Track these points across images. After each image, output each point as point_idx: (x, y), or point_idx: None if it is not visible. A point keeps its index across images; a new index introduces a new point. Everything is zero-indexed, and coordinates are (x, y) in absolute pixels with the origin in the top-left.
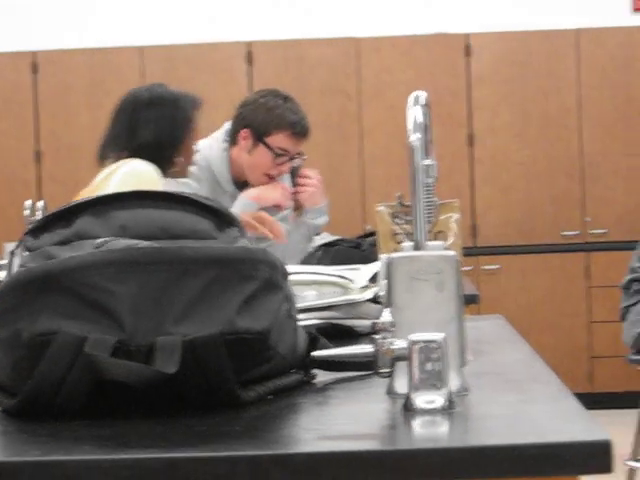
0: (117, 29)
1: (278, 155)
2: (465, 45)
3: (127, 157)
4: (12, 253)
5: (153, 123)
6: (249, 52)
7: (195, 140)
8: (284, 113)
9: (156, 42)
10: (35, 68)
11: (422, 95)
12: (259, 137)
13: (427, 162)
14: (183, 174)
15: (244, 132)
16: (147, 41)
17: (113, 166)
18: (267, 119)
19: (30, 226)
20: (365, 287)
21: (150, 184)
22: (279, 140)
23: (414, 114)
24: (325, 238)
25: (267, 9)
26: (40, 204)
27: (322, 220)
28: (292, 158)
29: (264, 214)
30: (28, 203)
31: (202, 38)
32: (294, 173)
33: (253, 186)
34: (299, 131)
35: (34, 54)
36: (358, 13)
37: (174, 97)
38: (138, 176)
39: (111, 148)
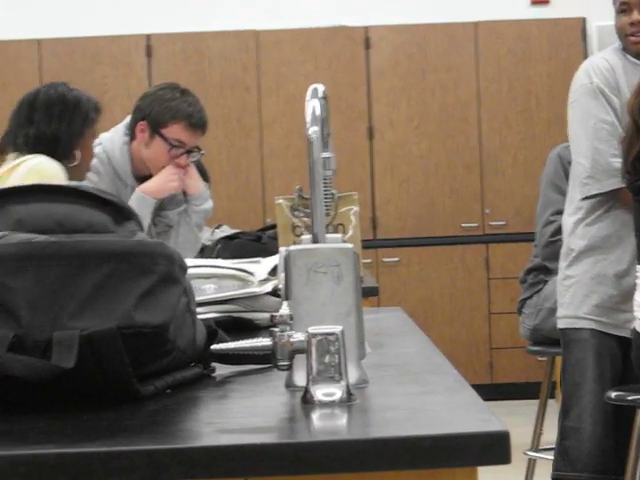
0: (14, 21)
1: (174, 147)
2: (364, 38)
3: (26, 151)
4: None
5: (54, 119)
6: (148, 45)
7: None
8: (180, 105)
9: (54, 34)
10: None
11: (320, 88)
12: (155, 129)
13: (325, 155)
14: (81, 171)
15: (141, 124)
16: (45, 33)
17: (17, 160)
18: (163, 111)
19: None
20: (265, 280)
21: (54, 180)
22: (174, 131)
23: (312, 107)
24: (225, 231)
25: (167, 1)
26: None
27: (208, 205)
28: (189, 151)
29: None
30: None
31: (101, 30)
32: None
33: None
34: (195, 122)
35: None
36: (258, 5)
37: (75, 97)
38: (41, 172)
39: (10, 141)
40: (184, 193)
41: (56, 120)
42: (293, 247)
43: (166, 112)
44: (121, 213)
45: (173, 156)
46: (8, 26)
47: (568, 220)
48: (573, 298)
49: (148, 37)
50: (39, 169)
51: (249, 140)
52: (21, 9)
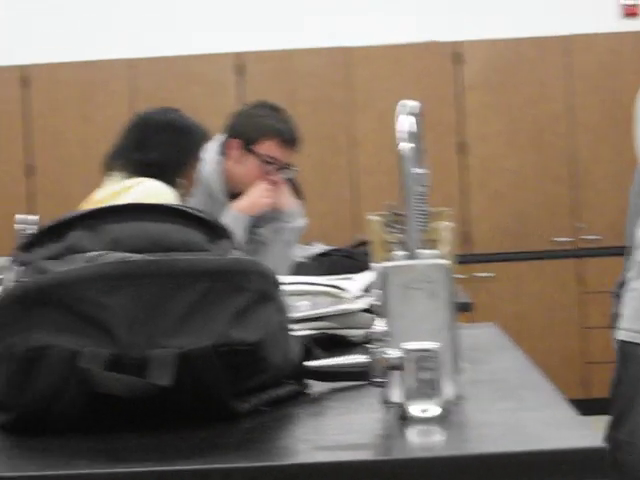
0: (107, 42)
1: (266, 163)
2: (455, 53)
3: (133, 172)
4: (4, 268)
5: (162, 145)
6: (239, 63)
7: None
8: (272, 122)
9: (146, 54)
10: (25, 82)
11: (412, 103)
12: (247, 146)
13: (419, 171)
14: (183, 199)
15: (233, 142)
16: (137, 54)
17: (128, 182)
18: (255, 128)
19: (22, 240)
20: (359, 296)
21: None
22: (267, 148)
23: (404, 123)
24: (318, 248)
25: (257, 20)
26: (32, 218)
27: (301, 222)
28: (282, 168)
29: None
30: (20, 217)
31: (192, 50)
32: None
33: None
34: (287, 139)
35: (24, 68)
36: (348, 22)
37: (186, 125)
38: (158, 195)
39: (117, 160)
40: (277, 210)
41: (165, 147)
42: (388, 264)
43: (258, 129)
44: (215, 231)
45: (265, 173)
46: (100, 46)
47: (638, 232)
48: (636, 311)
49: (239, 56)
50: (157, 192)
51: (340, 157)
52: (113, 29)
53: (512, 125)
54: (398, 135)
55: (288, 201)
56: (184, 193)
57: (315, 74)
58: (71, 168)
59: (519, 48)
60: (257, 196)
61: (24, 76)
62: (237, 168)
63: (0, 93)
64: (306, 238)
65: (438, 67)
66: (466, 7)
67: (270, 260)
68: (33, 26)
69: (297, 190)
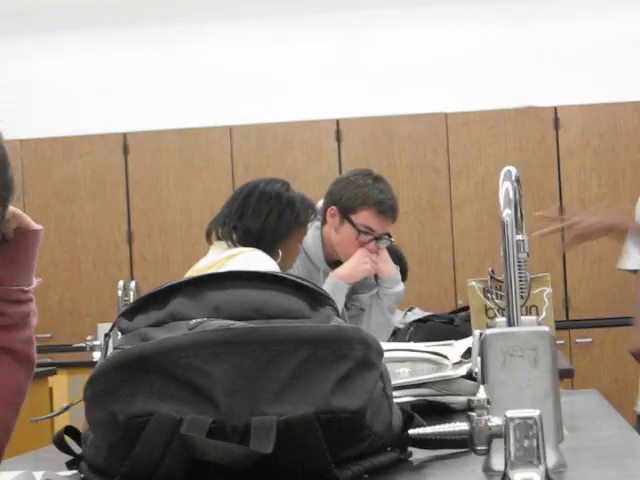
0: (206, 109)
1: (362, 233)
2: (554, 118)
3: (230, 242)
4: (107, 335)
5: (264, 214)
6: (337, 129)
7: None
8: (370, 191)
9: (245, 121)
10: (126, 149)
11: (513, 170)
12: (345, 214)
13: (519, 237)
14: (283, 269)
15: (332, 209)
16: (236, 120)
17: (232, 251)
18: (354, 196)
19: (124, 307)
20: (459, 363)
21: None
22: (364, 217)
23: (505, 189)
24: (417, 314)
25: (355, 86)
26: (132, 284)
27: (399, 288)
28: (378, 238)
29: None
30: (121, 283)
31: (291, 116)
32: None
33: None
34: (385, 209)
35: (125, 135)
36: (446, 87)
37: (290, 197)
38: (258, 265)
39: (221, 228)
40: (376, 276)
41: (264, 216)
42: (489, 330)
43: (357, 198)
44: (317, 299)
45: (361, 242)
46: (201, 114)
47: None
48: None
49: (337, 121)
50: (258, 262)
51: (440, 222)
52: (212, 98)
53: (612, 190)
54: (499, 201)
55: (387, 267)
56: (285, 264)
57: (413, 139)
58: (170, 234)
59: (619, 112)
60: (357, 263)
61: (125, 143)
62: (334, 235)
63: (103, 160)
64: (405, 303)
65: (537, 132)
66: (563, 71)
67: (369, 326)
68: (133, 94)
69: (400, 258)
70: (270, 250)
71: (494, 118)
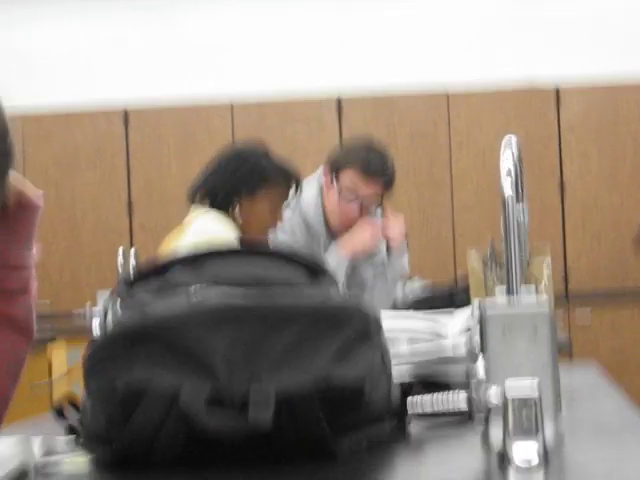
0: (207, 83)
1: (345, 192)
2: (555, 93)
3: (193, 200)
4: (106, 301)
5: (227, 172)
6: (339, 105)
7: (280, 219)
8: (359, 152)
9: (246, 94)
10: (127, 121)
11: (514, 138)
12: (332, 173)
13: (519, 207)
14: (246, 233)
15: (324, 168)
16: (237, 94)
17: (188, 217)
18: (341, 155)
19: (124, 275)
20: (458, 334)
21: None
22: (348, 177)
23: (507, 158)
24: (416, 283)
25: (356, 61)
26: (132, 252)
27: (405, 260)
28: (365, 201)
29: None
30: (121, 251)
31: (292, 91)
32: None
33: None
34: (370, 170)
35: (126, 110)
36: (447, 63)
37: (259, 159)
38: (208, 235)
39: (193, 191)
40: (387, 246)
41: (228, 174)
42: (487, 301)
43: (343, 156)
44: (316, 271)
45: (345, 205)
46: (202, 88)
47: None
48: None
49: (339, 97)
50: (207, 231)
51: (440, 194)
52: (214, 71)
53: (612, 165)
54: (500, 169)
55: (396, 234)
56: (252, 230)
57: (414, 114)
58: (170, 205)
59: (619, 88)
60: (356, 234)
61: (126, 117)
62: (326, 197)
63: (104, 131)
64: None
65: (538, 110)
66: (565, 47)
67: (372, 297)
68: (135, 68)
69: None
70: (224, 206)
71: (495, 93)
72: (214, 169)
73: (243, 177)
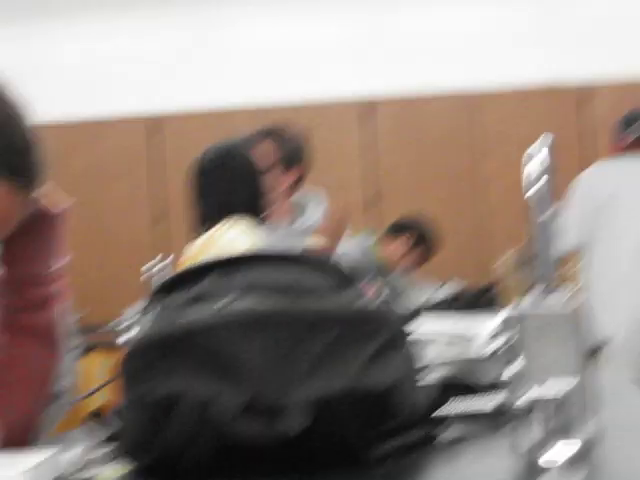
0: (235, 89)
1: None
2: (581, 95)
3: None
4: (140, 312)
5: (221, 192)
6: (367, 108)
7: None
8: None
9: (275, 102)
10: (156, 131)
11: (541, 148)
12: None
13: (548, 213)
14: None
15: None
16: (266, 101)
17: (219, 228)
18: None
19: (154, 288)
20: (489, 339)
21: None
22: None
23: (533, 167)
24: (450, 288)
25: (385, 65)
26: (160, 266)
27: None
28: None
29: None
30: (151, 264)
31: (320, 95)
32: None
33: None
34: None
35: (155, 118)
36: (474, 65)
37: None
38: (232, 247)
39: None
40: None
41: (222, 194)
42: (520, 304)
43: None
44: (345, 278)
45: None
46: (230, 94)
47: None
48: None
49: (367, 101)
50: (231, 244)
51: (475, 195)
52: (241, 78)
53: None
54: (526, 178)
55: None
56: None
57: (444, 117)
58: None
59: None
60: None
61: (155, 125)
62: None
63: (132, 142)
64: (443, 275)
65: (562, 111)
66: (592, 47)
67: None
68: (164, 76)
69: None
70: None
71: (524, 93)
72: (207, 190)
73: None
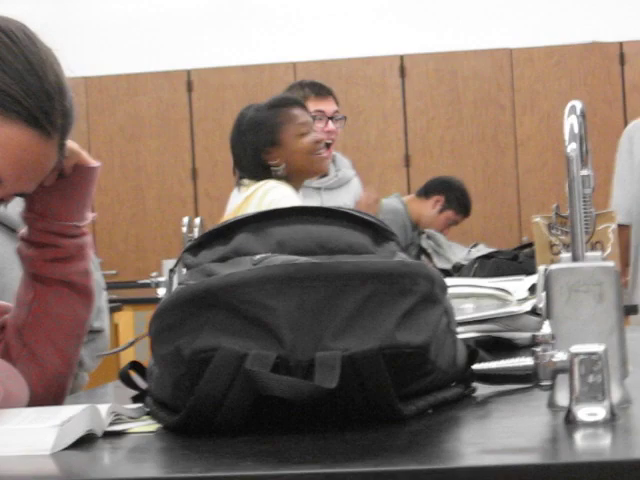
0: (270, 46)
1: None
2: (619, 53)
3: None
4: (172, 270)
5: (247, 147)
6: (402, 65)
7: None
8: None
9: (309, 57)
10: (190, 86)
11: (578, 105)
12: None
13: (584, 173)
14: (295, 179)
15: None
16: (300, 57)
17: (252, 188)
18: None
19: (189, 243)
20: (524, 299)
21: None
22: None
23: (570, 124)
24: (481, 250)
25: (419, 22)
26: (197, 221)
27: None
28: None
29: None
30: (186, 220)
31: (354, 52)
32: None
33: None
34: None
35: (189, 72)
36: (510, 24)
37: (245, 119)
38: (278, 201)
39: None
40: None
41: (247, 150)
42: (553, 266)
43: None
44: (381, 234)
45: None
46: (264, 50)
47: None
48: None
49: (401, 58)
50: (278, 198)
51: (504, 158)
52: (276, 33)
53: None
54: (564, 136)
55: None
56: (292, 174)
57: (478, 75)
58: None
59: None
60: None
61: (189, 80)
62: None
63: (168, 98)
64: (471, 239)
65: (602, 68)
66: (629, 6)
67: None
68: (197, 31)
69: (461, 192)
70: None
71: (559, 53)
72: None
73: (255, 143)
